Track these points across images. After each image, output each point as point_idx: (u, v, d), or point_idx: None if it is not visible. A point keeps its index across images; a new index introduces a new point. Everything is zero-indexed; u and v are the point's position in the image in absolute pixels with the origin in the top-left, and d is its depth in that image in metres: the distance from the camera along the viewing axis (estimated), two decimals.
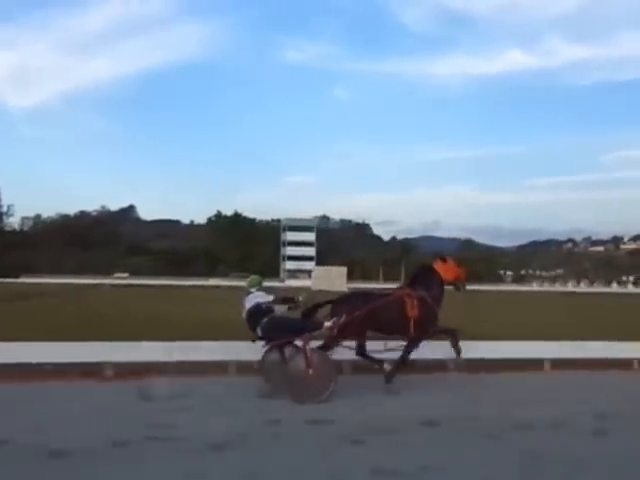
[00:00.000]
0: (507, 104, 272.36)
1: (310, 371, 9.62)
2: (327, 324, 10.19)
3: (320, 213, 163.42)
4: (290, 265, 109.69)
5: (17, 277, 73.98)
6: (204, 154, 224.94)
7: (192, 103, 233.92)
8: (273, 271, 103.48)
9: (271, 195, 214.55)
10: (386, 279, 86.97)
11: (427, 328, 10.70)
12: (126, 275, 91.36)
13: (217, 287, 66.51)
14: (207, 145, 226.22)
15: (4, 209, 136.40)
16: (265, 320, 10.10)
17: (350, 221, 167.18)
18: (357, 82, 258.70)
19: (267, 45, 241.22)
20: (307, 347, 9.84)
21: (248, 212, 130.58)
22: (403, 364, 10.81)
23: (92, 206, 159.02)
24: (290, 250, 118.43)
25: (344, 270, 70.83)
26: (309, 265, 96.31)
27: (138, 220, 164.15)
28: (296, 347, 10.19)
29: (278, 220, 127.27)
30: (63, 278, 74.22)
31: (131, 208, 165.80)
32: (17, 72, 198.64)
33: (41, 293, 40.97)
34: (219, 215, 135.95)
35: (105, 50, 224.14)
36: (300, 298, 10.87)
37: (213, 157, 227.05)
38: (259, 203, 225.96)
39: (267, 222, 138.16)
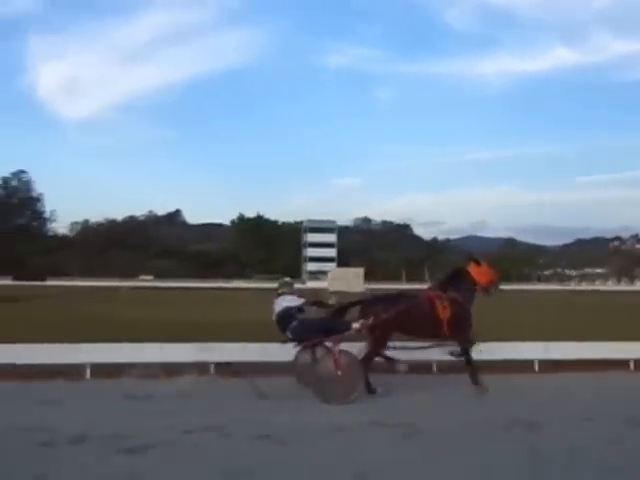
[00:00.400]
0: (552, 102, 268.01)
1: (339, 372, 9.71)
2: (355, 325, 10.22)
3: (363, 215, 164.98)
4: (311, 266, 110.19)
5: (43, 280, 76.25)
6: (250, 158, 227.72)
7: (237, 109, 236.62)
8: (295, 272, 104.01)
9: (317, 198, 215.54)
10: (410, 280, 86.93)
11: (462, 329, 10.67)
12: (150, 278, 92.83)
13: (235, 289, 67.64)
14: (253, 149, 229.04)
15: (47, 214, 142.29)
16: (295, 323, 10.19)
17: (391, 222, 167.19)
18: (400, 83, 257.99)
19: (309, 50, 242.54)
20: (336, 348, 9.94)
21: (292, 215, 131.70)
22: (472, 364, 10.73)
23: (140, 211, 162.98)
24: (311, 251, 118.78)
25: (361, 271, 71.00)
26: (330, 266, 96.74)
27: (184, 224, 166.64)
28: (327, 348, 10.21)
29: (301, 222, 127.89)
30: (89, 281, 76.36)
31: (177, 212, 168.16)
32: (69, 83, 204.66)
33: (43, 295, 42.14)
34: (242, 218, 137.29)
35: (153, 59, 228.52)
36: (331, 302, 11.03)
37: (259, 161, 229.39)
38: (305, 206, 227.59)
39: (290, 224, 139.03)
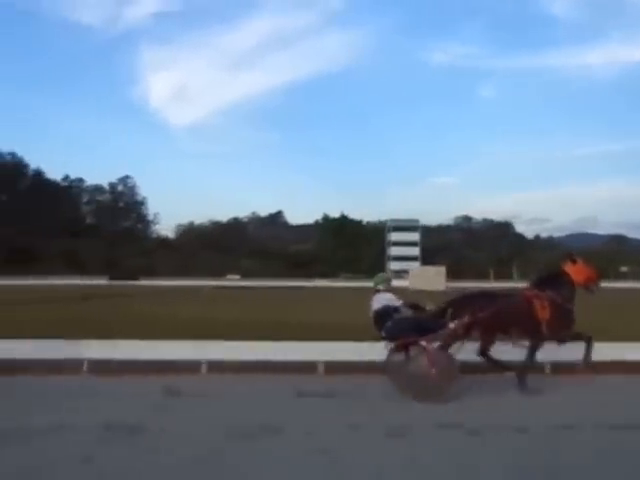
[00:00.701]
0: None
1: (433, 370, 9.72)
2: (451, 325, 10.25)
3: (462, 213, 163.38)
4: (395, 265, 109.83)
5: (136, 279, 79.64)
6: (349, 159, 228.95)
7: (337, 111, 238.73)
8: (379, 271, 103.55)
9: (415, 197, 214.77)
10: (498, 279, 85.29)
11: (560, 330, 10.51)
12: (237, 277, 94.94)
13: (316, 288, 68.34)
14: (352, 150, 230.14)
15: (151, 217, 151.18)
16: (390, 323, 10.23)
17: (492, 220, 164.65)
18: (504, 79, 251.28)
19: (411, 49, 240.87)
20: (430, 347, 9.98)
21: (389, 215, 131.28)
22: (530, 366, 10.73)
23: (243, 212, 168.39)
24: (395, 250, 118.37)
25: (442, 269, 70.14)
26: (413, 265, 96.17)
27: (285, 225, 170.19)
28: (421, 347, 10.18)
29: (385, 221, 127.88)
30: (178, 280, 79.20)
31: (279, 213, 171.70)
32: (178, 90, 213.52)
33: (126, 295, 44.06)
34: (327, 218, 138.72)
35: (256, 64, 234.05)
36: (428, 307, 10.88)
37: (357, 161, 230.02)
38: (403, 205, 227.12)
39: (374, 224, 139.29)
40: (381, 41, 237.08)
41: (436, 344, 10.16)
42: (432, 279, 63.35)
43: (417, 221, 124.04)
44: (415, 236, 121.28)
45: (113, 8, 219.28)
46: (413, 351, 10.32)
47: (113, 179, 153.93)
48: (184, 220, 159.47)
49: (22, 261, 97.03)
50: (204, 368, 12.07)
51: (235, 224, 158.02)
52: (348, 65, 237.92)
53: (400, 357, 10.46)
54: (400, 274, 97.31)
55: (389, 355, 10.48)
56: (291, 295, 47.14)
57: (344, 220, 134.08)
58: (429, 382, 9.67)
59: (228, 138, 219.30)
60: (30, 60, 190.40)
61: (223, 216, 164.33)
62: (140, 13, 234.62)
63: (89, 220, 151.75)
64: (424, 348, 10.01)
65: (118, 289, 54.62)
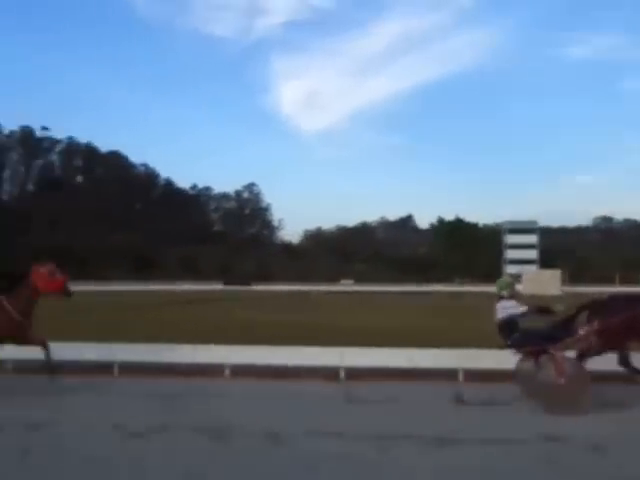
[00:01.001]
0: None
1: (562, 380, 9.29)
2: (581, 332, 9.81)
3: (602, 213, 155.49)
4: (511, 269, 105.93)
5: (249, 285, 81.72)
6: (483, 159, 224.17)
7: (471, 111, 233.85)
8: (496, 276, 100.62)
9: (551, 197, 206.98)
10: (624, 283, 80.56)
11: None
12: (351, 282, 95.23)
13: (429, 292, 66.90)
14: (488, 150, 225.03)
15: (275, 223, 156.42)
16: (517, 334, 9.86)
17: (635, 221, 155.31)
18: None
19: (547, 44, 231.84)
20: (559, 355, 9.55)
21: (530, 216, 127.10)
22: None
23: (372, 217, 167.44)
24: (511, 254, 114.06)
25: (558, 273, 67.47)
26: (531, 269, 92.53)
27: (414, 229, 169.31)
28: (550, 356, 9.74)
29: (501, 223, 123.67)
30: (292, 285, 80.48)
31: (409, 217, 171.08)
32: (309, 97, 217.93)
33: (232, 299, 45.25)
34: (441, 221, 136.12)
35: (386, 68, 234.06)
36: (556, 309, 10.39)
37: (494, 162, 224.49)
38: (538, 205, 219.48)
39: (490, 226, 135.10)
40: (514, 38, 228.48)
41: (565, 352, 9.76)
42: (547, 283, 61.27)
43: (535, 222, 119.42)
44: (533, 238, 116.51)
45: (245, 20, 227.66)
46: (542, 359, 9.87)
47: (239, 186, 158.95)
48: (312, 226, 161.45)
49: (145, 267, 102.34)
50: (342, 373, 12.21)
51: (363, 229, 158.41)
52: (479, 64, 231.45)
53: (530, 365, 10.07)
54: (517, 278, 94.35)
55: (519, 363, 10.22)
56: (403, 300, 46.71)
57: (459, 223, 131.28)
58: (558, 392, 9.25)
59: (357, 143, 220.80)
60: (163, 72, 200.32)
61: (351, 221, 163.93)
62: (271, 23, 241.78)
63: (217, 227, 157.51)
64: (552, 356, 9.60)
65: (221, 294, 56.20)
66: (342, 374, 12.14)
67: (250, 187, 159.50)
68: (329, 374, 12.09)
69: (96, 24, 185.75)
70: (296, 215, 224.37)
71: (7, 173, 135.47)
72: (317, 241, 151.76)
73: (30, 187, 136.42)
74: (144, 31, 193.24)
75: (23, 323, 10.37)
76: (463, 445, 7.39)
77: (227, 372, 12.31)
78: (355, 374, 12.04)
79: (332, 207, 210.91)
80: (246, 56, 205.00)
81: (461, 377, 11.90)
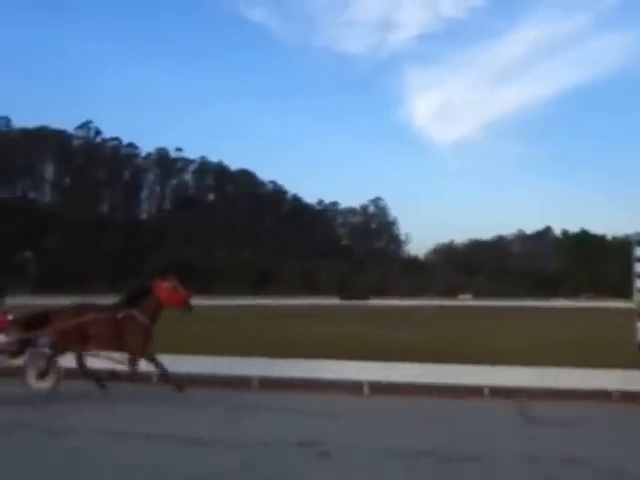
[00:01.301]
0: None
1: None
2: None
3: None
4: None
5: (366, 299, 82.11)
6: (631, 170, 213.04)
7: (616, 118, 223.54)
8: (626, 291, 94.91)
9: None
10: None
11: None
12: (469, 296, 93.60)
13: (553, 308, 64.62)
14: (620, 158, 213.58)
15: (402, 237, 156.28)
16: None
17: None
18: None
19: None
20: None
21: None
22: None
23: (508, 230, 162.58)
24: None
25: None
26: None
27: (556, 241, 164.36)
28: None
29: (631, 235, 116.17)
30: (409, 300, 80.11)
31: (547, 230, 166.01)
32: (443, 109, 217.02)
33: (341, 314, 45.17)
34: (566, 233, 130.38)
35: (522, 76, 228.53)
36: None
37: (627, 171, 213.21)
38: None
39: (618, 238, 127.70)
40: None
41: None
42: None
43: None
44: None
45: (377, 35, 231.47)
46: None
47: (365, 201, 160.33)
48: (442, 239, 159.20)
49: (265, 282, 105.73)
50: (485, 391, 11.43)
51: (497, 242, 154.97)
52: (618, 70, 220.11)
53: None
54: None
55: None
56: (520, 315, 45.56)
57: (584, 235, 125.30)
58: None
59: (492, 154, 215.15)
60: (292, 91, 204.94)
61: (486, 234, 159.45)
62: (403, 37, 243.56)
63: (344, 242, 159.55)
64: None
65: (334, 309, 56.88)
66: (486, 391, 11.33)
67: (376, 201, 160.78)
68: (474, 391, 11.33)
69: (231, 48, 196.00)
70: (425, 229, 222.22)
71: (144, 194, 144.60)
72: (444, 255, 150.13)
73: (166, 206, 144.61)
74: (276, 51, 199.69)
75: (151, 334, 10.80)
76: None
77: (366, 389, 11.63)
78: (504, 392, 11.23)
79: (465, 220, 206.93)
80: (378, 70, 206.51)
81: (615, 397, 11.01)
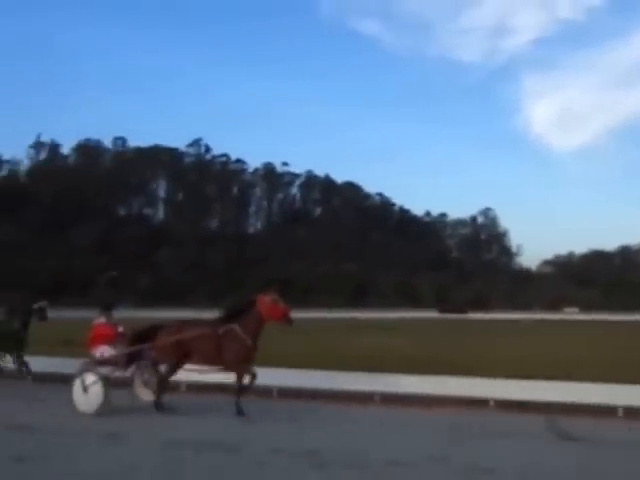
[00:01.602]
0: None
1: None
2: None
3: None
4: None
5: (464, 313, 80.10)
6: None
7: None
8: None
9: None
10: None
11: None
12: (575, 310, 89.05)
13: None
14: None
15: (513, 249, 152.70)
16: None
17: None
18: None
19: None
20: None
21: None
22: None
23: (635, 240, 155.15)
24: None
25: None
26: None
27: None
28: None
29: None
30: (509, 313, 77.43)
31: None
32: (562, 114, 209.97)
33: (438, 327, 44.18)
34: None
35: None
36: None
37: None
38: None
39: None
40: None
41: None
42: None
43: None
44: None
45: (492, 42, 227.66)
46: None
47: (474, 211, 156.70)
48: (561, 250, 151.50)
49: (362, 295, 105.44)
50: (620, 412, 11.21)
51: (621, 253, 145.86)
52: None
53: None
54: None
55: None
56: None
57: None
58: None
59: (617, 160, 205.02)
60: (404, 101, 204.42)
61: (610, 245, 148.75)
62: (519, 42, 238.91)
63: (454, 254, 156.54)
64: None
65: (431, 322, 55.81)
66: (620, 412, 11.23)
67: (486, 212, 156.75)
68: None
69: (344, 60, 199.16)
70: (541, 239, 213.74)
71: (252, 208, 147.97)
72: (557, 266, 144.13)
73: (273, 220, 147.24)
74: (389, 62, 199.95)
75: (254, 350, 11.09)
76: None
77: (492, 404, 11.80)
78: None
79: (586, 230, 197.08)
80: (493, 77, 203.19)
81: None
